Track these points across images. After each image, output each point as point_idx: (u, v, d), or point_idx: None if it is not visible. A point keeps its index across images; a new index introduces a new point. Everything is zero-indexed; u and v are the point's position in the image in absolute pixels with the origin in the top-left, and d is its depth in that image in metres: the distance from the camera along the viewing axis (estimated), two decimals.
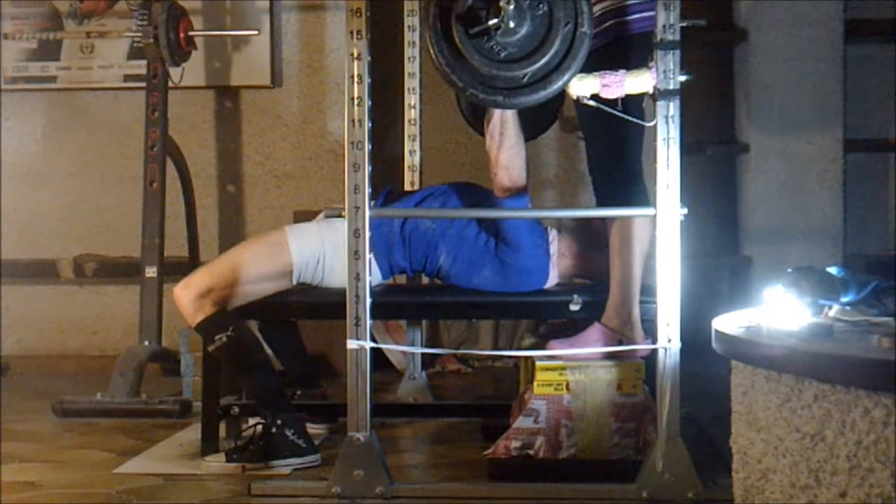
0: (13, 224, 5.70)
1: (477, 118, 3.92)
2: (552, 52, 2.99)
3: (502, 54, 2.97)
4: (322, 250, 3.66)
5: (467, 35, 2.96)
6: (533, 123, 3.80)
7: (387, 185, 3.91)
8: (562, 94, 3.15)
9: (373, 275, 3.55)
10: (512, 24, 2.93)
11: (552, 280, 3.70)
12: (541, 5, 2.97)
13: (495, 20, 2.93)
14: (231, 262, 3.64)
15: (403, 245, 3.70)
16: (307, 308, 3.79)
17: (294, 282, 3.69)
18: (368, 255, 3.18)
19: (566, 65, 3.01)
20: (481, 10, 2.96)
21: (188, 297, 3.61)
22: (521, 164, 3.51)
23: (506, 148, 3.47)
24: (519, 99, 3.04)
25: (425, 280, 4.84)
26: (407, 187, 4.57)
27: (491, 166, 3.51)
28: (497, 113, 3.42)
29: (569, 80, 3.03)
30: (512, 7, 2.92)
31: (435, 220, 3.70)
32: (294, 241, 3.67)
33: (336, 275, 3.61)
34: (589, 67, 3.17)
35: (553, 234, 3.73)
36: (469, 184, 3.86)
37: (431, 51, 3.01)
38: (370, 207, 3.19)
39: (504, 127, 3.45)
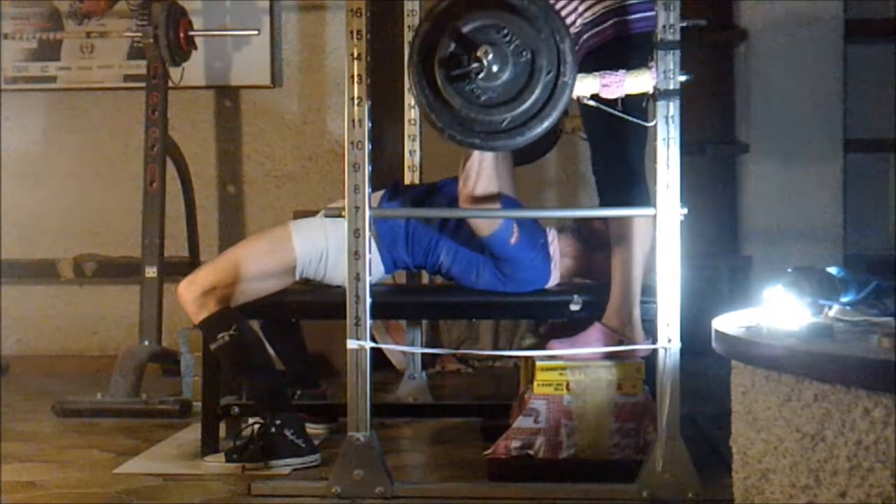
0: (13, 224, 5.69)
1: None
2: (533, 98, 3.00)
3: (482, 98, 2.98)
4: (325, 245, 3.66)
5: (448, 78, 2.98)
6: (531, 148, 3.81)
7: (394, 178, 3.90)
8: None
9: (376, 270, 3.57)
10: (494, 69, 2.95)
11: (553, 280, 3.70)
12: (524, 52, 2.98)
13: (476, 65, 2.94)
14: (235, 259, 3.64)
15: (407, 240, 3.70)
16: (308, 308, 3.79)
17: (297, 277, 3.69)
18: (368, 256, 3.18)
19: (546, 112, 3.01)
20: (463, 56, 2.96)
21: (192, 295, 3.61)
22: (494, 205, 3.50)
23: (480, 188, 3.46)
24: (496, 143, 3.05)
25: (425, 280, 4.85)
26: None
27: (461, 200, 3.50)
28: (476, 153, 3.42)
29: (548, 128, 3.04)
30: (492, 54, 2.93)
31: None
32: (298, 237, 3.67)
33: (339, 270, 3.61)
34: (589, 67, 3.17)
35: (553, 235, 3.73)
36: None
37: (413, 90, 3.02)
38: (370, 208, 3.19)
39: (482, 167, 3.44)
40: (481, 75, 2.94)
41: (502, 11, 2.97)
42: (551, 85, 2.99)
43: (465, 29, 2.95)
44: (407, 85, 4.60)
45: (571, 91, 3.01)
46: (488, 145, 3.06)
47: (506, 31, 2.96)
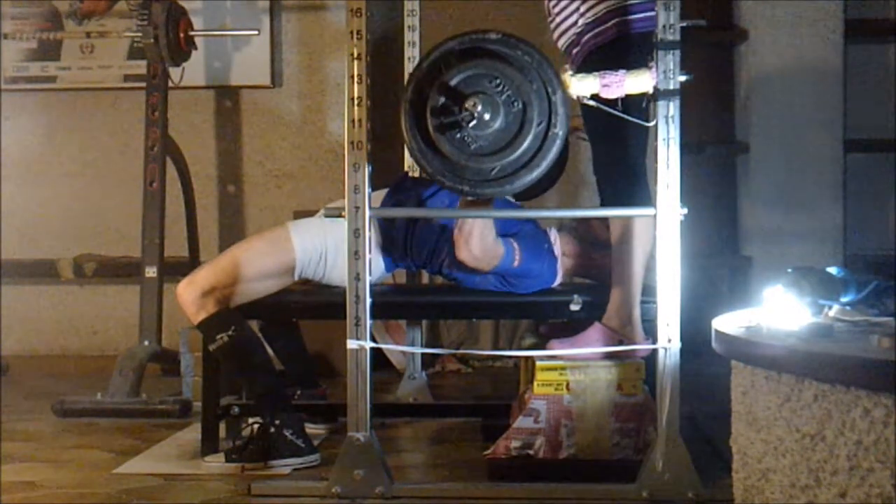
0: (13, 224, 5.70)
1: None
2: (522, 148, 3.03)
3: (473, 146, 3.01)
4: (325, 245, 3.66)
5: (439, 127, 3.00)
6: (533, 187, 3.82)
7: (404, 172, 3.88)
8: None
9: (375, 269, 3.56)
10: (486, 117, 2.97)
11: (557, 280, 3.70)
12: (515, 103, 3.01)
13: (466, 114, 2.96)
14: (234, 260, 3.64)
15: (406, 239, 3.70)
16: (307, 308, 3.79)
17: (296, 277, 3.69)
18: (368, 256, 3.18)
19: (535, 163, 3.04)
20: (454, 107, 2.98)
21: (192, 296, 3.60)
22: (490, 254, 3.48)
23: (475, 238, 3.45)
24: (485, 190, 3.08)
25: (426, 280, 4.85)
26: None
27: (456, 250, 3.49)
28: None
29: (536, 178, 3.06)
30: (482, 105, 2.95)
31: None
32: (297, 237, 3.67)
33: (338, 270, 3.61)
34: (590, 67, 3.17)
35: (554, 235, 3.73)
36: None
37: (405, 135, 3.03)
38: (370, 207, 3.19)
39: (475, 221, 3.43)
40: (472, 123, 2.97)
41: (495, 61, 3.00)
42: (542, 136, 3.03)
43: (454, 82, 2.98)
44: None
45: (562, 142, 3.05)
46: (477, 192, 3.10)
47: (498, 81, 2.99)
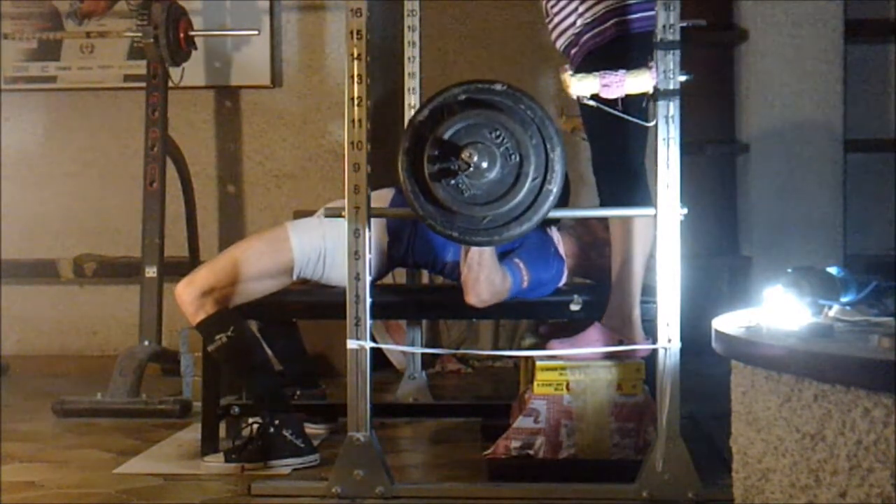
0: (13, 224, 5.69)
1: None
2: (516, 201, 3.02)
3: (466, 194, 3.00)
4: (323, 245, 3.66)
5: (434, 174, 2.99)
6: None
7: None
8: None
9: (376, 267, 3.57)
10: (483, 165, 2.97)
11: (562, 282, 3.70)
12: (513, 156, 3.00)
13: (461, 163, 2.96)
14: (233, 260, 3.64)
15: (410, 236, 3.69)
16: (307, 308, 3.79)
17: (295, 277, 3.69)
18: (368, 256, 3.18)
19: (527, 216, 3.03)
20: (450, 157, 2.98)
21: (190, 296, 3.60)
22: (499, 292, 3.49)
23: (483, 279, 3.46)
24: (475, 238, 3.08)
25: (426, 280, 4.85)
26: None
27: (465, 296, 3.48)
28: (475, 248, 3.41)
29: (527, 231, 3.06)
30: (477, 156, 2.95)
31: None
32: (295, 237, 3.67)
33: (337, 270, 3.61)
34: (589, 67, 3.17)
35: (556, 235, 3.73)
36: None
37: (401, 172, 3.03)
38: (370, 207, 3.19)
39: (482, 258, 3.44)
40: (468, 171, 2.96)
41: (497, 113, 2.99)
42: (536, 190, 3.03)
43: (448, 135, 2.97)
44: (407, 86, 4.61)
45: (556, 199, 3.04)
46: (466, 240, 3.10)
47: (498, 133, 2.99)
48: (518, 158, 3.00)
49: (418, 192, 3.02)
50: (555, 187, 3.02)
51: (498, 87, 3.01)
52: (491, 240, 3.07)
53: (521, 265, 3.54)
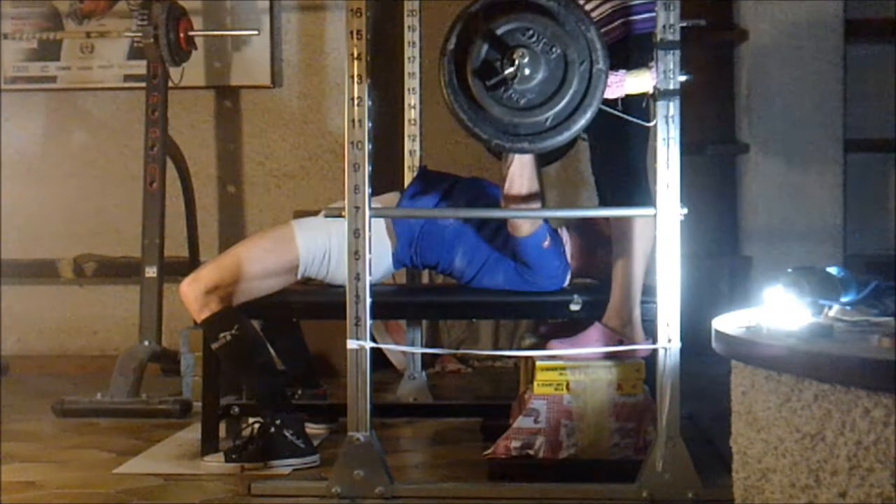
0: (13, 224, 5.69)
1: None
2: (571, 92, 3.01)
3: (522, 101, 2.99)
4: (328, 244, 3.65)
5: (485, 88, 2.98)
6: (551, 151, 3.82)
7: (422, 165, 3.88)
8: None
9: (380, 267, 3.57)
10: (528, 72, 2.95)
11: (566, 282, 3.70)
12: (553, 49, 2.99)
13: (511, 69, 2.94)
14: (238, 258, 3.63)
15: (414, 239, 3.69)
16: (308, 308, 3.79)
17: (299, 276, 3.69)
18: (368, 256, 3.18)
19: (587, 102, 3.02)
20: (496, 62, 2.97)
21: (195, 293, 3.60)
22: (536, 204, 3.50)
23: (524, 192, 3.46)
24: (545, 143, 3.06)
25: (426, 280, 4.85)
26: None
27: (505, 200, 3.49)
28: (517, 159, 3.41)
29: (591, 118, 3.04)
30: (526, 56, 2.93)
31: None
32: (301, 236, 3.66)
33: (342, 269, 3.59)
34: None
35: (566, 236, 3.72)
36: (496, 187, 3.83)
37: (450, 107, 3.02)
38: (370, 207, 3.19)
39: (524, 170, 3.44)
40: (516, 79, 2.95)
41: (525, 12, 2.98)
42: (587, 75, 3.01)
43: (499, 31, 2.96)
44: (407, 86, 4.61)
45: (607, 76, 3.02)
46: (537, 147, 3.08)
47: (531, 32, 2.97)
48: (560, 50, 2.98)
49: (474, 118, 3.00)
50: (604, 66, 3.00)
51: None
52: (561, 138, 3.05)
53: (547, 233, 3.55)
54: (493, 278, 3.64)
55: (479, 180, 3.84)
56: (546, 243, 3.56)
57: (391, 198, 3.70)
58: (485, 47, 2.98)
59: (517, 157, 3.40)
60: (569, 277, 3.69)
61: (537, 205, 3.50)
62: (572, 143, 3.99)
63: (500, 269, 3.63)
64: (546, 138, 3.04)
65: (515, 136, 3.03)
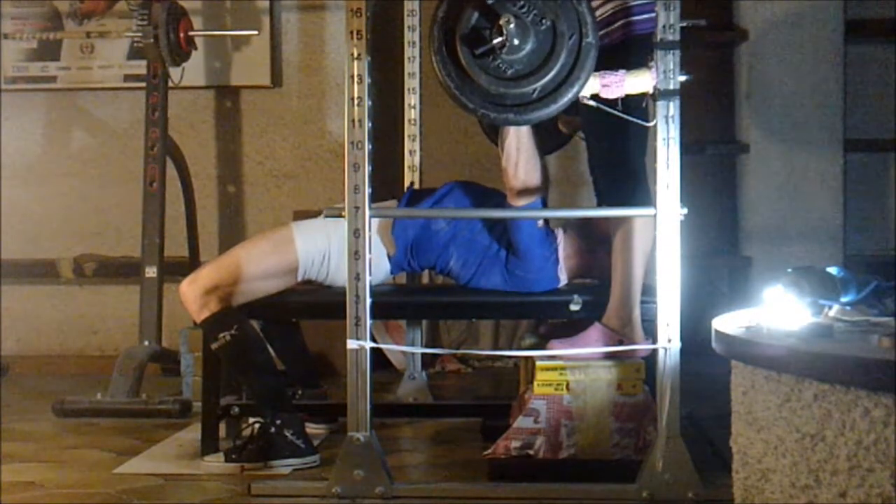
0: (13, 224, 5.69)
1: (497, 133, 3.93)
2: (559, 65, 3.00)
3: (509, 72, 2.98)
4: (328, 247, 3.66)
5: (473, 56, 2.98)
6: (552, 136, 3.81)
7: (410, 185, 3.88)
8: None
9: (380, 270, 3.57)
10: (516, 42, 2.94)
11: (561, 283, 3.70)
12: (543, 20, 2.98)
13: (499, 39, 2.94)
14: (237, 259, 3.64)
15: (412, 245, 3.69)
16: (308, 308, 3.79)
17: (299, 278, 3.69)
18: (368, 256, 3.18)
19: (575, 76, 3.02)
20: (484, 30, 2.96)
21: (194, 293, 3.61)
22: (537, 177, 3.51)
23: (522, 164, 3.46)
24: (531, 115, 3.05)
25: (426, 280, 4.85)
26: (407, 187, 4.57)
27: (506, 180, 3.50)
28: (512, 131, 3.42)
29: (578, 92, 3.03)
30: (514, 25, 2.93)
31: (448, 222, 3.69)
32: (300, 238, 3.67)
33: (341, 272, 3.60)
34: (598, 67, 3.16)
35: (560, 236, 3.73)
36: (484, 188, 3.83)
37: (439, 74, 3.01)
38: (370, 207, 3.19)
39: (520, 143, 3.44)
40: (504, 49, 2.94)
41: None
42: (576, 48, 3.01)
43: (490, 0, 2.95)
44: (407, 86, 4.62)
45: (597, 51, 3.01)
46: (522, 119, 3.06)
47: (522, 2, 2.96)
48: (549, 22, 2.98)
49: (461, 86, 2.99)
50: (593, 39, 2.99)
51: None
52: (547, 110, 3.04)
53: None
54: (490, 279, 3.65)
55: (471, 184, 3.84)
56: (540, 223, 3.59)
57: (389, 205, 3.72)
58: (475, 15, 2.98)
59: (512, 129, 3.40)
60: (564, 278, 3.69)
61: (537, 178, 3.50)
62: (568, 136, 3.99)
63: (495, 270, 3.64)
64: (532, 110, 3.02)
65: (501, 107, 3.02)
